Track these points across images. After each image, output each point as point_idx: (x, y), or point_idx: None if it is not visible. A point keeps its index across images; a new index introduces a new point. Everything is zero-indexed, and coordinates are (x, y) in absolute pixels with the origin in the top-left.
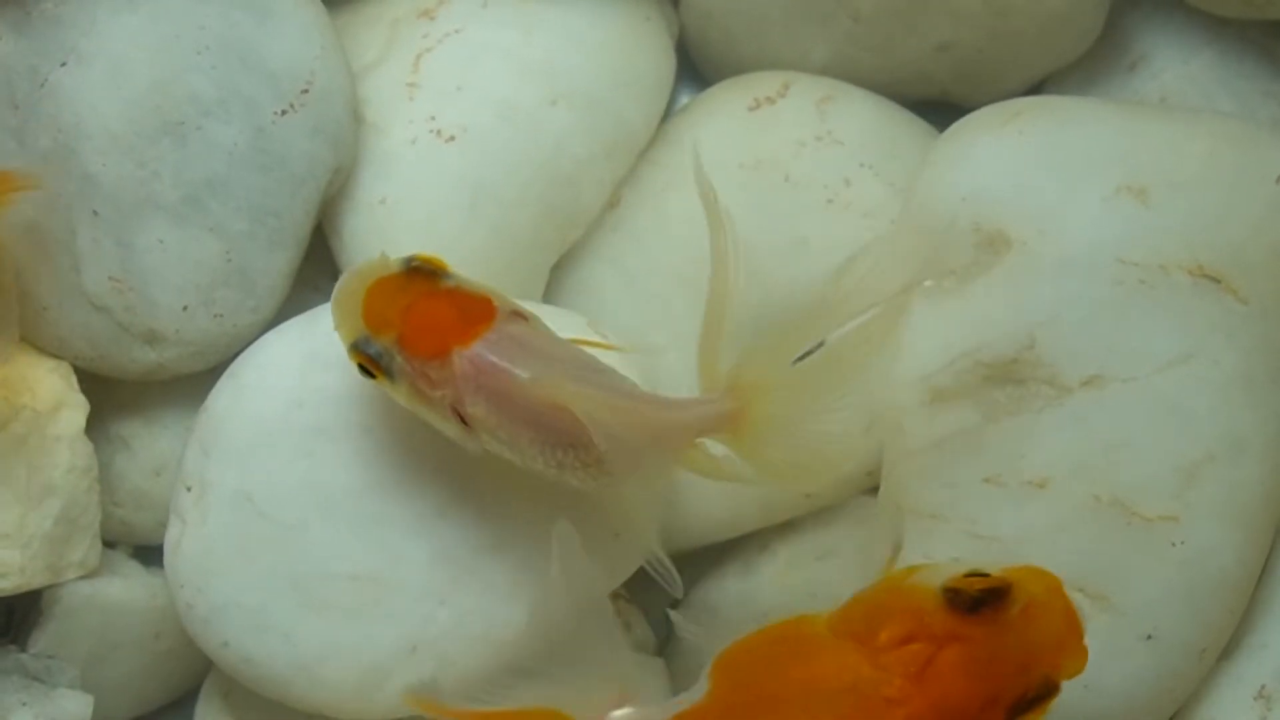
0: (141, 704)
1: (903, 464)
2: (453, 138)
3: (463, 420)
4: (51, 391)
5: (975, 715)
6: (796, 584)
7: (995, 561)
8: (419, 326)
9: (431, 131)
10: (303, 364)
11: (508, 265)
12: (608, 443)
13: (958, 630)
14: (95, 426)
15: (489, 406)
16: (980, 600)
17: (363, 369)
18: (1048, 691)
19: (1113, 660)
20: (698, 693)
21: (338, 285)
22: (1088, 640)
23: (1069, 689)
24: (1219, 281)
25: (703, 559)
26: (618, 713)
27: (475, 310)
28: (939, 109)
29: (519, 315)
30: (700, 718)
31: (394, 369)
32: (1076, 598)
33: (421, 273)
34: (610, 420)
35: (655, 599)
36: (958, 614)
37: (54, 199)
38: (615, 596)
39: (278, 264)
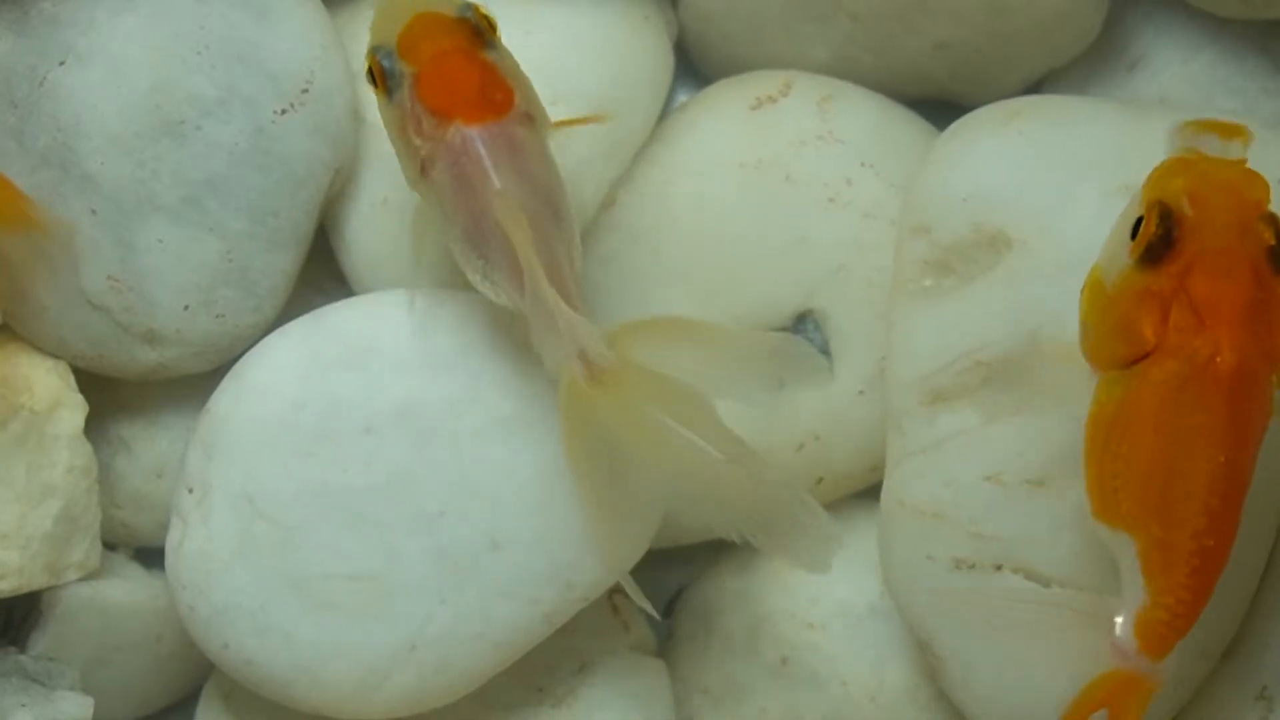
0: (142, 706)
1: (903, 464)
2: None
3: (423, 171)
4: (50, 391)
5: (1260, 289)
6: (795, 584)
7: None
8: (440, 79)
9: None
10: (305, 365)
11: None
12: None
13: (1181, 273)
14: (96, 428)
15: (451, 183)
16: (1162, 244)
17: (370, 72)
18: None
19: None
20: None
21: None
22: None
23: (1068, 692)
24: None
25: (699, 555)
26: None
27: (497, 95)
28: (939, 108)
29: (530, 118)
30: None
31: (395, 94)
32: (1074, 594)
33: (470, 26)
34: (531, 279)
35: (653, 598)
36: (1165, 267)
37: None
38: (613, 593)
39: (279, 264)
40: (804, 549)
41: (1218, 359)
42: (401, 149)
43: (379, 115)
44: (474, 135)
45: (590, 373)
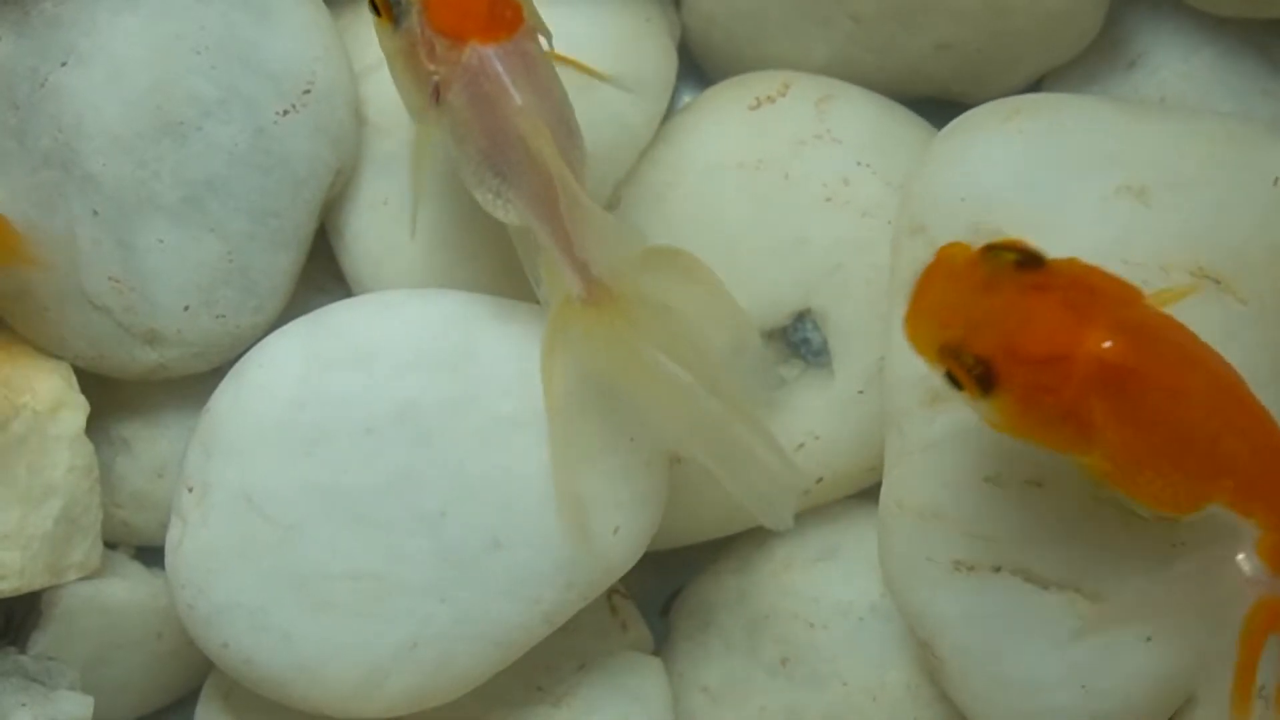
0: (142, 705)
1: (902, 463)
2: None
3: (435, 97)
4: (51, 391)
5: (1049, 293)
6: (796, 584)
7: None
8: (450, 2)
9: None
10: (305, 365)
11: (512, 265)
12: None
13: (1008, 358)
14: (96, 427)
15: (468, 105)
16: (983, 372)
17: (373, 3)
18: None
19: (1112, 660)
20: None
21: None
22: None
23: (1068, 692)
24: (1219, 282)
25: (699, 555)
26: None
27: (507, 13)
28: (940, 106)
29: (535, 34)
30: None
31: (403, 22)
32: (1072, 595)
33: None
34: (565, 188)
35: (652, 597)
36: (1001, 378)
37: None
38: (612, 593)
39: (280, 264)
40: (767, 498)
41: (1109, 359)
42: (408, 78)
43: (384, 45)
44: (490, 54)
45: (591, 294)
